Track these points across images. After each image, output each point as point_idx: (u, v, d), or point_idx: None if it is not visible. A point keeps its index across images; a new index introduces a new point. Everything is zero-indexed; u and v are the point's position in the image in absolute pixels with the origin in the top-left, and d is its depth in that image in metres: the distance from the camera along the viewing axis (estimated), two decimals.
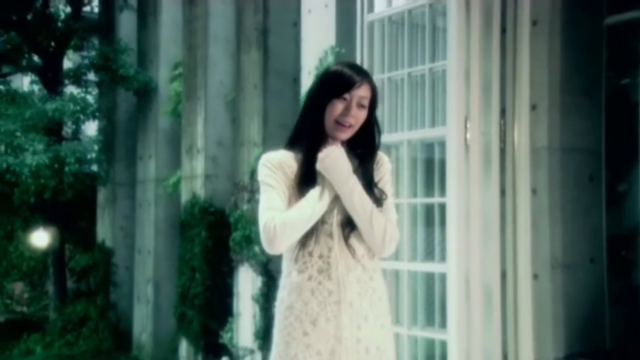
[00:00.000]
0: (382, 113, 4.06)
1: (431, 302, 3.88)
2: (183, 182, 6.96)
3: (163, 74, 7.71)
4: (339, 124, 1.97)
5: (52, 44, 8.58)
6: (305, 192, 1.95)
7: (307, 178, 1.97)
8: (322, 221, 1.98)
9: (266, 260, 5.67)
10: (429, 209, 3.89)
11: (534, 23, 3.62)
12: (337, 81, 1.96)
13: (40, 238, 8.73)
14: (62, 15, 8.60)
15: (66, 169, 7.30)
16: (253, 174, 5.67)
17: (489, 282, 3.60)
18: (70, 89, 8.59)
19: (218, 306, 6.40)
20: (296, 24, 5.65)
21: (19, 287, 9.70)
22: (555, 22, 3.60)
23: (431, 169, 3.88)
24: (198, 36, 6.77)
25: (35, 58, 8.72)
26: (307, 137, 2.00)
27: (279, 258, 2.10)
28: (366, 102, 1.98)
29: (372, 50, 4.15)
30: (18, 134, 7.26)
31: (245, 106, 6.06)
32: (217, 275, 6.38)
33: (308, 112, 2.02)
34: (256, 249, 5.73)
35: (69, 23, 8.48)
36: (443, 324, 3.73)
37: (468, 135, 3.59)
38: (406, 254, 3.89)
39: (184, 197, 6.88)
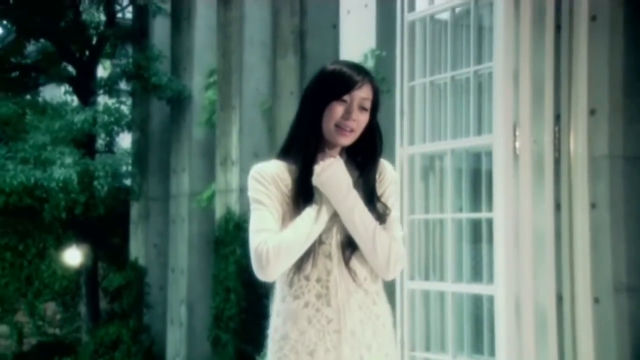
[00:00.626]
0: (424, 120, 4.01)
1: (479, 327, 3.80)
2: (217, 197, 7.02)
3: (197, 82, 7.83)
4: (339, 128, 1.89)
5: (86, 52, 8.84)
6: (302, 209, 1.88)
7: (303, 194, 1.89)
8: (319, 241, 1.89)
9: None
10: (475, 225, 3.81)
11: (592, 18, 3.52)
12: (336, 81, 1.89)
13: (73, 256, 8.94)
14: (96, 23, 8.85)
15: (95, 183, 7.46)
16: None
17: (542, 306, 3.50)
18: (105, 100, 8.81)
19: (254, 329, 6.40)
20: (335, 26, 5.66)
21: (51, 308, 9.93)
22: (616, 16, 3.49)
23: (478, 181, 3.82)
24: (233, 41, 6.85)
25: (69, 68, 8.99)
26: (303, 145, 1.92)
27: None
28: (368, 105, 1.91)
29: (413, 52, 4.10)
30: (48, 147, 7.46)
31: (281, 115, 6.08)
32: (252, 296, 6.40)
33: (304, 116, 1.94)
34: None
35: (103, 30, 8.71)
36: (492, 352, 3.63)
37: (517, 144, 3.51)
38: (451, 275, 3.82)
39: (219, 212, 6.94)
